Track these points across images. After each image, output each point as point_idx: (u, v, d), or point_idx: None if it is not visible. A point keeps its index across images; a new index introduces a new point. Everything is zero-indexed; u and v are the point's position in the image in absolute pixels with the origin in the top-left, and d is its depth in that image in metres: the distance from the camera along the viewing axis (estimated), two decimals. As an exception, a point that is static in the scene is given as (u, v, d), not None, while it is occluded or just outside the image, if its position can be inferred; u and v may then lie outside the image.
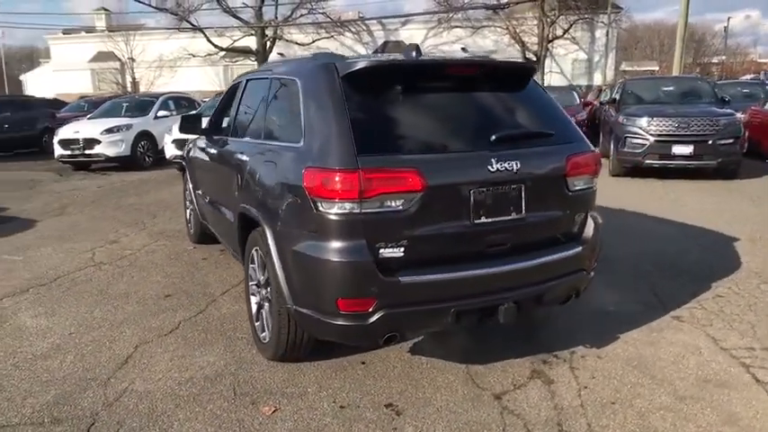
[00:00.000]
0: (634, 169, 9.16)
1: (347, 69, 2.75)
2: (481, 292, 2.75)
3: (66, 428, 2.60)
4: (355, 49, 35.38)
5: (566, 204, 3.02)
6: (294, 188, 2.71)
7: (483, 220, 2.73)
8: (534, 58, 29.96)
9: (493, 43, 33.12)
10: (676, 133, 8.53)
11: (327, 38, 33.47)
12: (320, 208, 2.55)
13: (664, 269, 4.74)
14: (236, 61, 35.40)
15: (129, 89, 36.80)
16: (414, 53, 3.07)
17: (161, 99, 13.63)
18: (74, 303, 4.15)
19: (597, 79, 32.49)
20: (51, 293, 4.36)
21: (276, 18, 33.93)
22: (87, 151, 11.67)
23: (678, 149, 8.54)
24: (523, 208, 2.84)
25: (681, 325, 3.65)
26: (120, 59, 37.58)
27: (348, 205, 2.50)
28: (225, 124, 4.35)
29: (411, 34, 35.16)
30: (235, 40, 33.01)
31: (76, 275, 4.80)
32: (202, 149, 4.74)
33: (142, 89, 36.02)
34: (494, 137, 2.78)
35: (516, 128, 3.03)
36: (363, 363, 3.19)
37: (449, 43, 34.08)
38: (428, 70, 2.98)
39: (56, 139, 11.85)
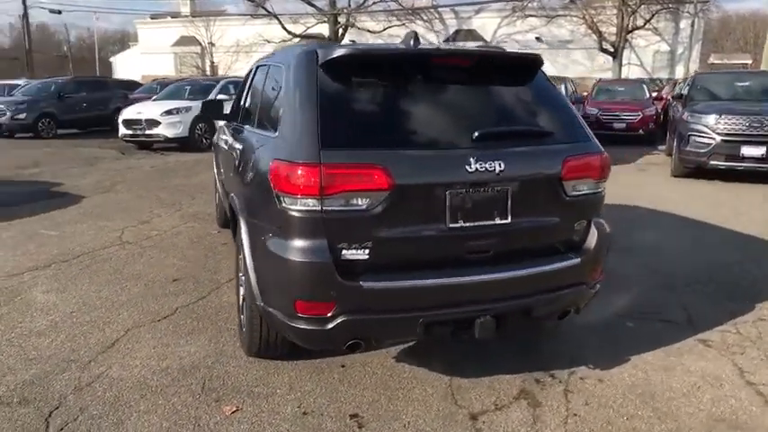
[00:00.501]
0: (697, 170, 8.43)
1: (326, 57, 2.58)
2: (454, 303, 2.53)
3: (29, 411, 2.63)
4: (427, 38, 34.97)
5: (562, 210, 2.72)
6: (264, 181, 2.58)
7: (460, 224, 2.49)
8: (612, 50, 28.38)
9: (569, 33, 31.71)
10: (747, 133, 7.74)
11: (399, 25, 33.22)
12: (284, 203, 2.41)
13: (704, 283, 4.27)
14: (311, 48, 35.89)
15: (208, 73, 38.23)
16: (412, 41, 2.87)
17: (221, 83, 13.71)
18: (86, 282, 4.25)
19: (680, 72, 30.38)
20: (70, 270, 4.50)
21: (349, 5, 34.10)
22: (148, 132, 12.11)
23: (748, 151, 7.76)
24: (509, 212, 2.57)
25: (706, 350, 3.25)
26: (200, 44, 39.05)
27: (309, 202, 2.33)
28: (237, 110, 4.31)
29: (484, 23, 34.33)
30: (308, 27, 33.48)
31: (99, 253, 4.94)
32: (220, 135, 4.74)
33: (220, 73, 37.33)
34: (476, 134, 2.53)
35: (506, 125, 2.74)
36: (343, 366, 3.04)
37: (522, 32, 32.95)
38: (414, 60, 2.74)
39: (120, 119, 12.43)
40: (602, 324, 3.57)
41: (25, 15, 30.21)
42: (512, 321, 2.72)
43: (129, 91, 16.91)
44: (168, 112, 12.17)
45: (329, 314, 2.40)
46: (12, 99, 15.20)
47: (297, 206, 2.36)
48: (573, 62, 32.35)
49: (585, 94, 16.10)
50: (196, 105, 12.30)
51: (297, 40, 34.20)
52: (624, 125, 13.06)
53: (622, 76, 27.21)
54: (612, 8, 28.96)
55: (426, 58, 2.75)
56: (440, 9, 35.75)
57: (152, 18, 43.32)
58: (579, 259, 2.75)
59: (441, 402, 2.72)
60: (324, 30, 33.48)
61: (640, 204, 6.90)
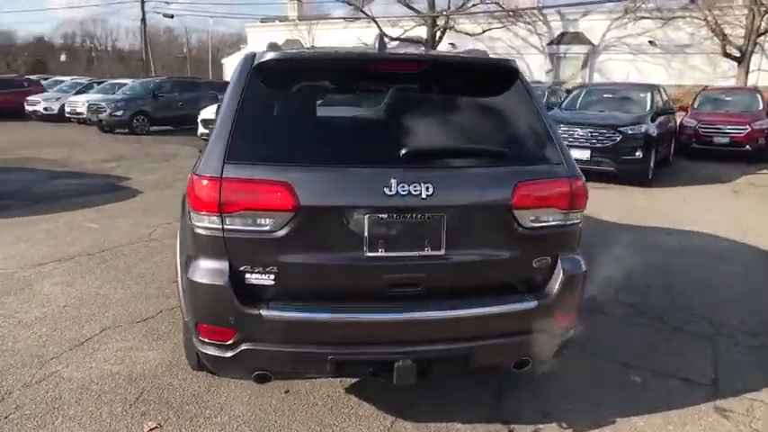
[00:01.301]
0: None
1: (259, 60, 2.39)
2: (370, 342, 2.24)
3: (-31, 403, 2.70)
4: (529, 41, 33.78)
5: (516, 244, 2.32)
6: (185, 196, 2.45)
7: (380, 253, 2.19)
8: (738, 54, 25.64)
9: (687, 36, 29.11)
10: None
11: (499, 27, 32.35)
12: (192, 220, 2.25)
13: (752, 331, 3.59)
14: (409, 51, 36.04)
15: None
16: (377, 44, 2.61)
17: None
18: (94, 277, 4.40)
19: (821, 80, 26.78)
20: (87, 264, 4.68)
21: (448, 8, 33.74)
22: None
23: None
24: (444, 243, 2.22)
25: (720, 422, 2.69)
26: (303, 47, 40.59)
27: (212, 219, 2.16)
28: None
29: (591, 25, 32.39)
30: (406, 30, 33.52)
31: (122, 249, 5.12)
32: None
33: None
34: (403, 151, 2.20)
35: (445, 142, 2.38)
36: (287, 392, 2.85)
37: (634, 36, 30.76)
38: (348, 66, 2.44)
39: (199, 118, 12.98)
40: (600, 374, 3.09)
41: (143, 20, 33.01)
42: (443, 368, 2.40)
43: (219, 91, 17.74)
44: None
45: (229, 341, 2.21)
46: (112, 97, 16.55)
47: (201, 223, 2.19)
48: (690, 68, 29.71)
49: (682, 104, 14.50)
50: None
51: (395, 43, 34.48)
52: (727, 140, 11.64)
53: (748, 84, 24.47)
54: (742, 8, 26.17)
55: (363, 64, 2.43)
56: (544, 11, 34.34)
57: (261, 22, 45.62)
58: (536, 302, 2.34)
59: (371, 448, 2.46)
60: (423, 32, 33.37)
61: (702, 231, 6.07)
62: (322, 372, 2.29)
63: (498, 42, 33.72)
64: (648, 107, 9.94)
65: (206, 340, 2.26)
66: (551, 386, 2.94)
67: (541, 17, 34.41)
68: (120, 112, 15.66)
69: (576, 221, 2.45)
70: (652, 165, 9.10)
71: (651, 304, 4.08)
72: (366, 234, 2.16)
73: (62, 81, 23.50)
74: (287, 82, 2.39)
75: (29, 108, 19.29)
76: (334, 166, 2.20)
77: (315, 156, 2.23)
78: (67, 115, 17.88)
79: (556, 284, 2.38)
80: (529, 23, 34.13)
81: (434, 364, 2.30)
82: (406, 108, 2.43)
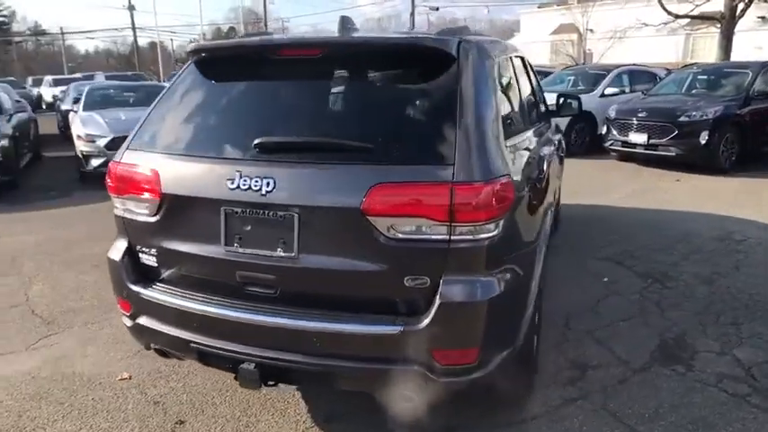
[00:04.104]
0: None
1: (188, 52, 2.60)
2: (223, 338, 2.25)
3: None
4: None
5: (380, 257, 2.03)
6: None
7: (237, 248, 2.19)
8: None
9: None
10: None
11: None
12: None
13: None
14: (698, 29, 31.00)
15: (582, 61, 37.27)
16: (340, 29, 2.59)
17: (614, 72, 11.29)
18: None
19: None
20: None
21: (759, -26, 27.68)
22: None
23: None
24: (296, 246, 2.10)
25: None
26: (578, 31, 38.28)
27: (115, 201, 2.50)
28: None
29: None
30: (697, 5, 28.77)
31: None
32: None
33: (594, 61, 35.95)
34: (253, 143, 2.14)
35: (297, 135, 2.20)
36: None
37: None
38: (254, 53, 2.44)
39: None
40: None
41: (412, 14, 35.35)
42: (300, 381, 2.33)
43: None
44: None
45: (128, 313, 2.51)
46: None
47: (114, 205, 2.52)
48: None
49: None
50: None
51: (686, 22, 29.85)
52: None
53: None
54: None
55: (266, 51, 2.39)
56: None
57: (539, 7, 44.48)
58: (401, 328, 2.02)
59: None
60: (719, 7, 28.12)
61: None
62: (192, 358, 2.41)
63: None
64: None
65: (120, 310, 2.59)
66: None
67: None
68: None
69: (473, 237, 2.01)
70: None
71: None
72: (222, 227, 2.20)
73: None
74: (202, 72, 2.53)
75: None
76: (192, 156, 2.29)
77: (182, 145, 2.36)
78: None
79: (431, 312, 2.01)
80: None
81: (284, 375, 2.22)
82: (289, 97, 2.38)
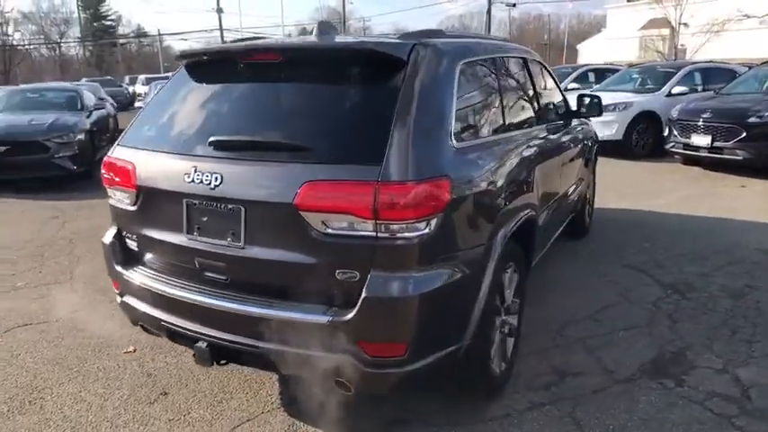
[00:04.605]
0: None
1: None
2: (187, 319, 2.46)
3: None
4: None
5: (313, 250, 2.15)
6: None
7: (196, 237, 2.40)
8: None
9: None
10: None
11: None
12: None
13: None
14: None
15: (673, 57, 35.11)
16: (316, 31, 2.81)
17: (684, 70, 10.64)
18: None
19: None
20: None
21: None
22: None
23: None
24: (243, 237, 2.27)
25: None
26: (670, 26, 36.06)
27: (108, 191, 2.78)
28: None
29: None
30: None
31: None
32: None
33: (687, 57, 33.79)
34: (208, 141, 2.35)
35: (245, 134, 2.38)
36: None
37: None
38: (224, 59, 2.65)
39: None
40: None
41: (488, 11, 34.76)
42: (247, 362, 2.49)
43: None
44: (604, 108, 10.38)
45: (117, 291, 2.80)
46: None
47: (108, 195, 2.80)
48: None
49: None
50: (640, 101, 9.97)
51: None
52: None
53: None
54: None
55: (235, 56, 2.56)
56: None
57: (628, 1, 42.31)
58: (329, 318, 2.13)
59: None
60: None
61: None
62: (164, 336, 2.63)
63: None
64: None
65: (113, 288, 2.86)
66: None
67: None
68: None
69: (401, 235, 2.07)
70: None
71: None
72: (185, 217, 2.41)
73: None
74: (186, 75, 2.76)
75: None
76: (161, 152, 2.53)
77: (155, 142, 2.60)
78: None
79: (357, 304, 2.10)
80: None
81: (232, 355, 2.42)
82: (247, 99, 2.55)
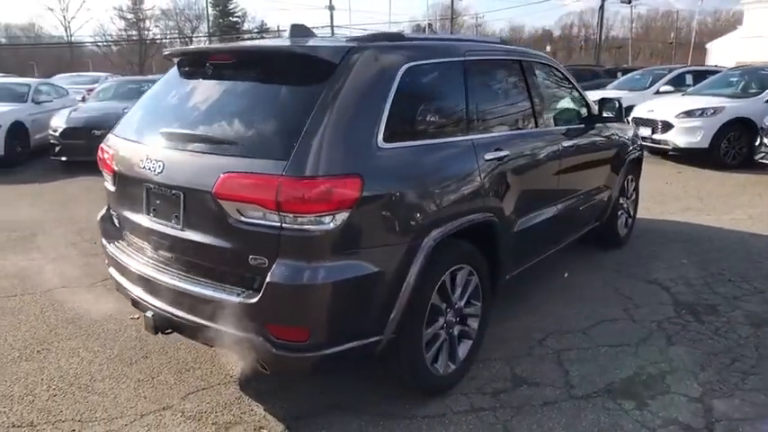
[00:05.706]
0: None
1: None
2: (143, 290, 2.75)
3: None
4: None
5: (231, 236, 2.34)
6: None
7: (152, 217, 2.69)
8: None
9: None
10: None
11: None
12: None
13: None
14: None
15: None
16: (288, 33, 3.07)
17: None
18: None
19: None
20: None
21: None
22: (656, 136, 9.43)
23: None
24: (182, 221, 2.52)
25: None
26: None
27: (102, 174, 3.15)
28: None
29: None
30: None
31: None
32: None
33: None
34: (162, 131, 2.65)
35: (184, 127, 2.64)
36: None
37: None
38: (198, 58, 2.89)
39: (631, 117, 9.68)
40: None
41: (601, 7, 32.71)
42: (181, 332, 2.68)
43: (613, 78, 15.75)
44: (688, 114, 9.11)
45: (106, 263, 3.18)
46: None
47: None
48: None
49: None
50: (734, 106, 9.16)
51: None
52: None
53: None
54: None
55: (202, 56, 2.82)
56: None
57: (771, -4, 37.99)
58: (238, 299, 2.31)
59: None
60: None
61: None
62: (131, 304, 2.93)
63: None
64: None
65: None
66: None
67: None
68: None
69: (304, 228, 2.20)
70: None
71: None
72: (144, 199, 2.71)
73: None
74: (173, 72, 3.04)
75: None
76: (129, 140, 2.86)
77: (129, 132, 2.92)
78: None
79: (262, 288, 2.27)
80: None
81: (173, 325, 2.66)
82: (200, 95, 2.75)
